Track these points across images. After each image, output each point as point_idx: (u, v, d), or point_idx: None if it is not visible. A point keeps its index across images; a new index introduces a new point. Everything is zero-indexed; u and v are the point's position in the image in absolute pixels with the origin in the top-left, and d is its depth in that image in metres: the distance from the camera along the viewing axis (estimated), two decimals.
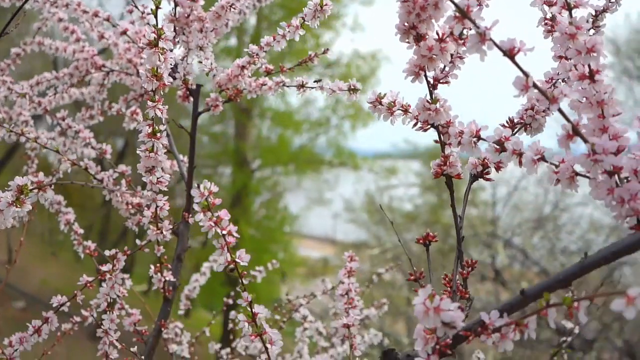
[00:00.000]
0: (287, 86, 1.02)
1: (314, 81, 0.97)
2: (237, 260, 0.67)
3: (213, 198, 0.67)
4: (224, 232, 0.66)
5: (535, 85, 0.54)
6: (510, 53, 0.54)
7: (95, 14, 1.15)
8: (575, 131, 0.54)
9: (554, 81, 0.75)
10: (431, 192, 10.60)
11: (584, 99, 0.58)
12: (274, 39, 0.95)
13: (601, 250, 0.53)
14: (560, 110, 0.55)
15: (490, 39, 0.53)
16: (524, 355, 6.39)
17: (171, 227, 0.97)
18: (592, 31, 0.77)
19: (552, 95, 0.54)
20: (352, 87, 0.89)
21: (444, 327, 0.54)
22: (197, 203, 0.66)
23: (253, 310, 0.69)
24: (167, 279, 1.03)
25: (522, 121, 0.73)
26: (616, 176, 0.57)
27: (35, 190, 0.69)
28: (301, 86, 1.00)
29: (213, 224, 0.66)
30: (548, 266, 6.60)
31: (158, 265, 1.02)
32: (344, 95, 0.92)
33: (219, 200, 0.67)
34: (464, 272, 0.66)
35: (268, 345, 0.69)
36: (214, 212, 0.66)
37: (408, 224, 10.02)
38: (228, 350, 1.59)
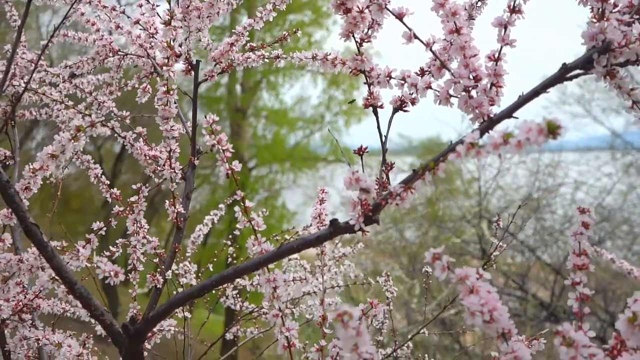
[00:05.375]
0: (267, 58, 1.33)
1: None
2: (233, 167, 0.98)
3: (216, 125, 0.97)
4: (224, 148, 0.96)
5: (415, 36, 0.84)
6: (400, 16, 0.84)
7: (113, 8, 1.45)
8: (442, 65, 0.85)
9: None
10: (427, 185, 10.88)
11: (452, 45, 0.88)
12: (254, 20, 1.26)
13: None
14: (432, 52, 0.85)
15: (386, 7, 0.84)
16: None
17: (182, 167, 1.27)
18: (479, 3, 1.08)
19: (427, 41, 0.84)
20: (314, 55, 1.19)
21: (362, 193, 0.84)
22: (204, 128, 0.96)
23: (245, 204, 1.00)
24: (179, 210, 1.33)
25: (429, 69, 1.03)
26: (474, 93, 0.87)
27: (89, 128, 0.99)
28: (277, 57, 1.31)
29: (216, 143, 0.96)
30: (534, 245, 6.93)
31: (172, 200, 1.32)
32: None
33: (219, 127, 0.97)
34: (386, 170, 0.97)
35: (256, 228, 0.99)
36: (216, 135, 0.96)
37: (404, 216, 10.37)
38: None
